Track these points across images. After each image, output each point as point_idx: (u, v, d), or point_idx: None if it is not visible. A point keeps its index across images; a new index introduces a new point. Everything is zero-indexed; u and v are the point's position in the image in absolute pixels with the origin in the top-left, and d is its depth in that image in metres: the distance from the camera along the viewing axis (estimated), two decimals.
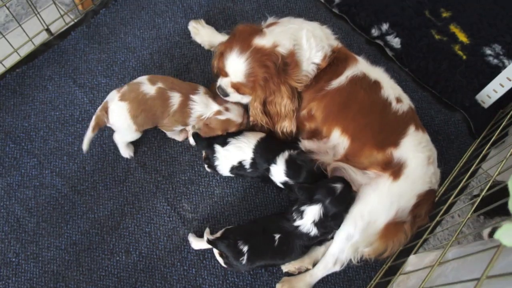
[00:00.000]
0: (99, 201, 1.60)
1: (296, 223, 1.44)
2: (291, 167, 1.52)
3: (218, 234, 1.48)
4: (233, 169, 1.59)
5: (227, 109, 1.55)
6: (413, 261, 1.30)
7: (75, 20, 1.91)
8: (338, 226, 1.43)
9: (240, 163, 1.56)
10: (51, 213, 1.57)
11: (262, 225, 1.50)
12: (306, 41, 1.46)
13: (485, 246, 0.81)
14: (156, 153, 1.69)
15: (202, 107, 1.53)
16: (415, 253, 1.32)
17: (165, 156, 1.69)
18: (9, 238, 1.53)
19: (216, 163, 1.58)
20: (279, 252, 1.46)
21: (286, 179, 1.53)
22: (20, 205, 1.57)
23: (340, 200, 1.40)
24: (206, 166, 1.65)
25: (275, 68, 1.41)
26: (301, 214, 1.43)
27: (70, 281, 1.49)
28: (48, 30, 1.84)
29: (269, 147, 1.56)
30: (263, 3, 2.04)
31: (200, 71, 1.85)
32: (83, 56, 1.84)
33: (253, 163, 1.56)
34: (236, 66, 1.43)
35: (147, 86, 1.49)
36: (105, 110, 1.50)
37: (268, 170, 1.55)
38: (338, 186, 1.41)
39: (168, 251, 1.55)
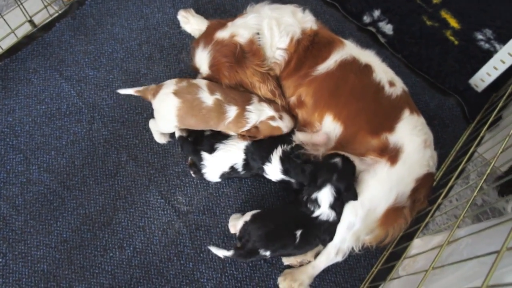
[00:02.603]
0: (90, 196, 1.54)
1: (316, 214, 1.40)
2: (286, 164, 1.48)
3: (238, 227, 1.44)
4: (223, 175, 1.54)
5: (281, 117, 1.51)
6: (418, 244, 1.28)
7: (60, 12, 1.85)
8: (355, 196, 1.37)
9: (231, 167, 1.51)
10: (39, 210, 1.51)
11: (282, 222, 1.43)
12: (268, 29, 1.51)
13: (500, 220, 0.79)
14: (148, 146, 1.64)
15: (257, 114, 1.48)
16: (417, 237, 1.30)
17: (157, 148, 1.64)
18: None
19: (204, 170, 1.53)
20: (299, 246, 1.42)
21: (283, 176, 1.49)
22: (6, 203, 1.50)
23: (346, 172, 1.36)
24: (192, 172, 1.59)
25: (234, 56, 1.46)
26: (316, 202, 1.39)
27: (61, 280, 1.43)
28: (31, 21, 1.77)
29: (261, 143, 1.51)
30: None
31: (190, 61, 1.80)
32: (69, 48, 1.77)
33: (246, 164, 1.51)
34: (201, 59, 1.53)
35: (205, 94, 1.47)
36: (156, 91, 1.50)
37: (262, 169, 1.51)
38: (337, 160, 1.37)
39: (163, 245, 1.50)
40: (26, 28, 1.79)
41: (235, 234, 1.51)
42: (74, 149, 1.61)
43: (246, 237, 1.40)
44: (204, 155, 1.51)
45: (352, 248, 1.47)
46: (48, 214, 1.50)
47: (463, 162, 1.49)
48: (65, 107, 1.67)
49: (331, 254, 1.47)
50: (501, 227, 0.75)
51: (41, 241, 1.47)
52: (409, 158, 1.43)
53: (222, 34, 1.50)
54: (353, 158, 1.50)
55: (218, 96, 1.47)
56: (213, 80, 1.54)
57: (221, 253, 1.44)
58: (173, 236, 1.52)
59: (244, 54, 1.47)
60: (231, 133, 1.53)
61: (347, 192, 1.37)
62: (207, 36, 1.53)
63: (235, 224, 1.48)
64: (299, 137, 1.54)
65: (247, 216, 1.45)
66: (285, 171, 1.48)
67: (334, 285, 1.52)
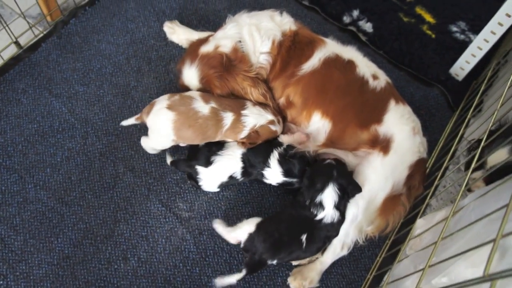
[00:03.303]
0: (89, 210, 1.53)
1: (319, 217, 1.38)
2: (285, 166, 1.49)
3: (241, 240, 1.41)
4: (221, 185, 1.54)
5: (279, 121, 1.54)
6: (421, 224, 1.30)
7: (45, 32, 1.86)
8: (359, 188, 1.38)
9: (230, 176, 1.51)
10: (38, 228, 1.48)
11: (287, 229, 1.40)
12: (249, 36, 1.55)
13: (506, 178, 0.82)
14: (144, 156, 1.64)
15: (255, 117, 1.50)
16: (419, 217, 1.33)
17: (153, 157, 1.64)
18: None
19: (201, 183, 1.53)
20: (307, 250, 1.41)
21: (284, 179, 1.50)
22: (3, 224, 1.47)
23: (342, 169, 1.39)
24: (191, 185, 1.60)
25: (222, 66, 1.49)
26: (320, 205, 1.38)
27: None
28: (17, 43, 1.77)
29: (257, 150, 1.52)
30: (234, 1, 2.06)
31: (179, 80, 1.82)
32: (56, 66, 1.78)
33: (245, 171, 1.52)
34: (190, 76, 1.54)
35: (200, 103, 1.47)
36: (150, 109, 1.49)
37: (261, 175, 1.52)
38: (330, 160, 1.41)
39: (168, 253, 1.49)
40: (12, 50, 1.78)
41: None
42: (70, 164, 1.59)
43: (253, 249, 1.38)
44: (200, 169, 1.50)
45: (356, 240, 1.49)
46: (48, 232, 1.48)
47: (454, 144, 1.54)
48: (57, 124, 1.66)
49: (337, 248, 1.49)
50: (507, 184, 0.78)
51: (42, 259, 1.44)
52: (400, 147, 1.47)
53: (206, 48, 1.53)
54: (346, 153, 1.54)
55: (213, 104, 1.47)
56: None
57: (235, 278, 1.41)
58: (177, 242, 1.51)
59: (232, 62, 1.50)
60: (230, 140, 1.54)
61: (351, 185, 1.38)
62: (192, 53, 1.55)
63: (236, 236, 1.45)
64: (284, 139, 1.56)
65: (251, 225, 1.41)
66: (286, 173, 1.49)
67: (341, 277, 1.53)
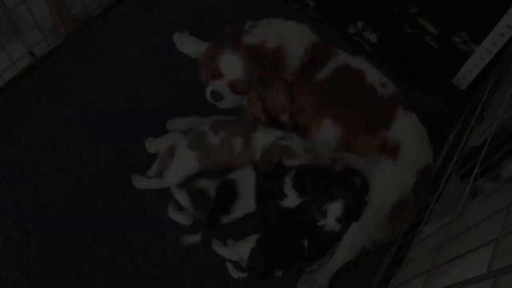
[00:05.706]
0: (101, 215, 1.56)
1: (321, 223, 1.42)
2: (298, 186, 1.48)
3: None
4: None
5: (290, 137, 1.54)
6: (425, 228, 1.33)
7: (58, 42, 1.91)
8: (358, 217, 1.40)
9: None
10: (51, 233, 1.51)
11: (288, 236, 1.45)
12: (288, 37, 1.53)
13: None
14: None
15: (265, 138, 1.52)
16: (424, 223, 1.36)
17: None
18: (8, 264, 1.45)
19: None
20: (312, 256, 1.44)
21: (300, 199, 1.50)
22: (17, 229, 1.50)
23: (361, 194, 1.40)
24: None
25: (268, 62, 1.46)
26: (324, 213, 1.40)
27: None
28: (31, 53, 1.82)
29: (267, 186, 1.52)
30: (242, 13, 2.10)
31: (189, 80, 1.87)
32: (69, 75, 1.83)
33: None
34: (231, 64, 1.47)
35: (211, 138, 1.53)
36: (171, 153, 1.54)
37: (279, 204, 1.52)
38: (357, 179, 1.41)
39: (178, 258, 1.52)
40: (26, 60, 1.84)
41: None
42: (82, 171, 1.63)
43: (258, 266, 1.42)
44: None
45: (364, 245, 1.52)
46: (60, 237, 1.51)
47: (458, 151, 1.57)
48: (70, 131, 1.70)
49: (345, 253, 1.51)
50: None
51: (54, 263, 1.47)
52: (409, 153, 1.49)
53: (251, 40, 1.47)
54: (356, 157, 1.57)
55: (222, 134, 1.53)
56: (239, 87, 1.51)
57: (236, 274, 1.46)
58: (187, 247, 1.54)
59: (276, 61, 1.49)
60: (247, 163, 1.54)
61: (353, 211, 1.40)
62: (231, 40, 1.47)
63: (237, 253, 1.47)
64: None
65: (252, 241, 1.44)
66: (300, 193, 1.48)
67: (348, 283, 1.55)
